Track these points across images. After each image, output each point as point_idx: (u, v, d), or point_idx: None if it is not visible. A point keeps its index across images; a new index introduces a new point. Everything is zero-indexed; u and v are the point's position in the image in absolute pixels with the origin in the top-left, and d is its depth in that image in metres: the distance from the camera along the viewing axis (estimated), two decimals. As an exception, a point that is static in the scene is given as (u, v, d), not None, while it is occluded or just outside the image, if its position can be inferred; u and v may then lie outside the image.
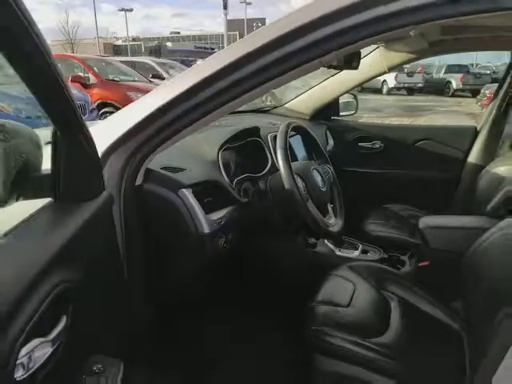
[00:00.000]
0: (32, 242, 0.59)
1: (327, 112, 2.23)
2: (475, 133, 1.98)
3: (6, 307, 0.46)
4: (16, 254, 0.55)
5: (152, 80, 8.81)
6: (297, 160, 1.56)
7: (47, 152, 0.71)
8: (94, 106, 6.17)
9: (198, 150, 1.19)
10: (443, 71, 16.82)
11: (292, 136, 1.60)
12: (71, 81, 6.65)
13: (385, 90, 17.07)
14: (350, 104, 2.39)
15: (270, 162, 1.43)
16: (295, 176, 1.21)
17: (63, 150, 0.67)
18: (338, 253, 1.57)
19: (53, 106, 0.60)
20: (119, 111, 0.93)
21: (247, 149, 1.40)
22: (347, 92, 2.21)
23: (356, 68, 1.11)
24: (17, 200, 0.67)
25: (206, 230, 1.04)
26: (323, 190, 1.33)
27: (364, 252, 1.62)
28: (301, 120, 2.16)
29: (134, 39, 57.11)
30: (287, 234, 1.45)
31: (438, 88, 17.20)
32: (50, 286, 0.54)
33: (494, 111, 1.89)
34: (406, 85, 17.67)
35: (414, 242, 1.57)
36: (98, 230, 0.74)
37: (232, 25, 37.72)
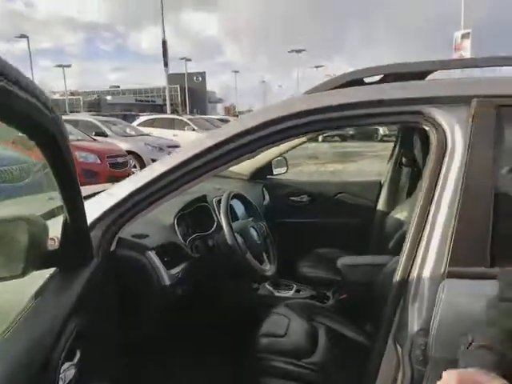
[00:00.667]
0: (54, 301, 0.85)
1: (262, 172, 2.63)
2: (380, 186, 2.46)
3: (49, 343, 0.73)
4: (47, 310, 0.81)
5: (95, 138, 8.92)
6: (237, 219, 1.89)
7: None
8: (40, 166, 6.15)
9: (159, 219, 1.49)
10: None
11: (233, 199, 1.94)
12: (13, 142, 6.61)
13: (320, 137, 18.35)
14: (281, 162, 2.81)
15: (215, 222, 1.75)
16: (236, 234, 1.55)
17: (69, 230, 0.95)
18: (276, 294, 1.89)
19: (69, 198, 0.87)
20: (102, 193, 1.22)
21: (197, 212, 1.72)
22: (280, 155, 2.64)
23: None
24: (31, 272, 0.93)
25: (167, 282, 1.32)
26: (259, 243, 1.67)
27: (297, 291, 1.95)
28: (241, 180, 2.53)
29: (72, 93, 56.45)
30: (234, 281, 1.76)
31: (368, 134, 18.78)
32: (71, 328, 0.81)
33: (391, 169, 2.38)
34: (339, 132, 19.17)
35: (336, 279, 1.93)
36: (93, 289, 1.01)
37: (173, 78, 38.73)
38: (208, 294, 1.66)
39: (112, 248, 1.23)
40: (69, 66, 43.49)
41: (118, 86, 72.64)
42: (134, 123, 13.76)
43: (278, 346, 1.38)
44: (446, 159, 1.02)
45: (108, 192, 1.21)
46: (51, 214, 1.27)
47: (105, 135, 9.99)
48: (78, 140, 7.95)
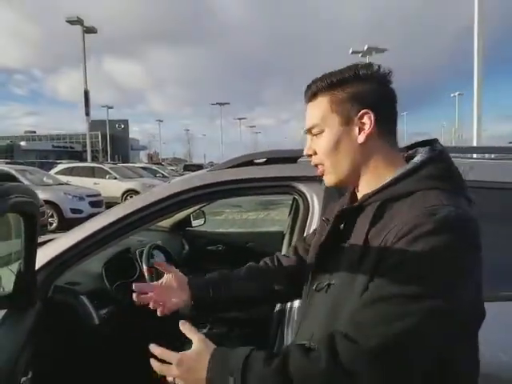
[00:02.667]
0: (11, 334, 1.11)
1: (181, 224, 2.97)
2: (283, 235, 2.93)
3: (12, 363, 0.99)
4: (7, 340, 1.07)
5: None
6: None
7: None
8: None
9: (89, 268, 1.76)
10: None
11: (154, 249, 2.25)
12: None
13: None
14: (199, 215, 3.17)
15: (138, 270, 2.04)
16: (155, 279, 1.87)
17: (22, 278, 1.20)
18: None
19: (28, 253, 1.15)
20: (49, 243, 1.48)
21: (122, 262, 2.00)
22: (198, 209, 3.01)
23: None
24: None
25: (96, 321, 1.58)
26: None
27: (211, 329, 2.27)
28: (162, 232, 2.83)
29: (-21, 138, 52.33)
30: (155, 320, 2.03)
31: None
32: (27, 353, 1.07)
33: (290, 221, 2.87)
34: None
35: (243, 316, 2.28)
36: (38, 327, 1.26)
37: (94, 125, 37.85)
38: (131, 333, 1.91)
39: (49, 294, 1.48)
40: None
41: (34, 132, 68.91)
42: (52, 171, 13.32)
43: None
44: (308, 220, 1.47)
45: (44, 247, 1.48)
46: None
47: (19, 184, 9.54)
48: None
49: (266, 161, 1.67)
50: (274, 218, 10.54)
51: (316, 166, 0.88)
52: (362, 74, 0.79)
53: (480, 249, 0.71)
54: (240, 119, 64.62)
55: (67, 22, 18.59)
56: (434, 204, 0.70)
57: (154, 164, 28.89)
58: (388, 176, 0.79)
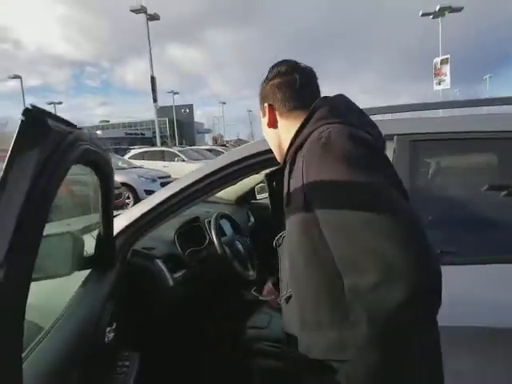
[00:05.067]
0: (96, 289, 1.22)
1: (247, 197, 3.01)
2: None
3: (97, 315, 1.08)
4: (93, 294, 1.17)
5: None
6: (225, 235, 2.27)
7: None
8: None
9: (163, 234, 1.86)
10: None
11: (221, 219, 2.32)
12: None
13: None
14: (264, 189, 3.20)
15: (207, 239, 2.12)
16: (224, 246, 1.93)
17: (102, 241, 1.31)
18: (260, 297, 2.23)
19: (106, 217, 1.25)
20: (118, 216, 1.59)
21: (191, 231, 2.09)
22: (262, 181, 3.03)
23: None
24: (74, 271, 1.29)
25: (171, 283, 1.67)
26: (243, 253, 2.04)
27: (279, 295, 2.29)
28: (228, 205, 2.90)
29: (62, 129, 56.66)
30: (225, 285, 2.11)
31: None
32: (110, 307, 1.16)
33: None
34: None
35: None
36: (118, 285, 1.37)
37: (161, 111, 39.50)
38: (204, 296, 2.01)
39: (128, 257, 1.60)
40: (60, 103, 43.82)
41: (108, 121, 73.32)
42: (126, 156, 14.19)
43: (261, 335, 1.72)
44: None
45: (122, 215, 1.59)
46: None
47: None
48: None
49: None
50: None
51: None
52: (268, 75, 1.04)
53: (376, 154, 0.81)
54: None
55: (131, 11, 19.39)
56: (321, 132, 0.83)
57: (219, 146, 29.53)
58: None
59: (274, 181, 1.06)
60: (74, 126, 0.75)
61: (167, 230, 1.89)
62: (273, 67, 1.04)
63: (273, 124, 1.04)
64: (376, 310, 0.71)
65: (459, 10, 21.66)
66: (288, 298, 0.96)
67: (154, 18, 19.97)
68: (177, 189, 1.55)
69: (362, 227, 0.71)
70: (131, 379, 1.10)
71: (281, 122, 1.03)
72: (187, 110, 65.69)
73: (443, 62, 20.76)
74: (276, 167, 1.06)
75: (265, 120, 1.05)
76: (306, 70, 1.03)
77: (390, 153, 1.39)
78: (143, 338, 1.59)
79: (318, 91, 1.03)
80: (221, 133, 71.12)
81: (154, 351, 1.58)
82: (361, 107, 1.00)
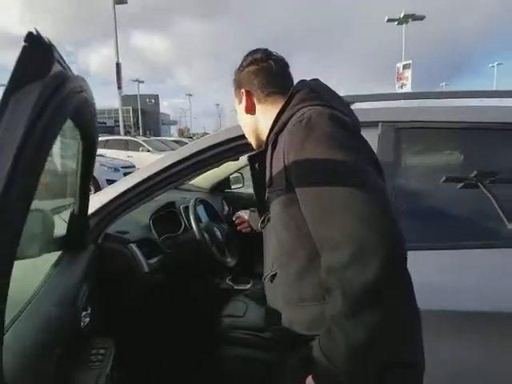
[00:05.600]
0: (70, 271, 1.11)
1: (221, 186, 2.95)
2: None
3: (73, 296, 0.99)
4: (67, 275, 1.07)
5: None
6: (201, 222, 2.19)
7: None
8: None
9: (137, 219, 1.76)
10: None
11: (198, 205, 2.24)
12: None
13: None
14: (238, 179, 3.15)
15: (183, 225, 2.04)
16: (203, 231, 1.85)
17: (75, 221, 1.21)
18: (235, 287, 2.18)
19: (82, 196, 1.15)
20: (100, 191, 1.48)
21: (167, 216, 2.00)
22: (236, 171, 2.97)
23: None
24: (44, 253, 1.18)
25: (146, 269, 1.58)
26: (221, 239, 1.97)
27: (253, 285, 2.25)
28: (202, 193, 2.82)
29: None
30: (200, 274, 2.04)
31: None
32: (84, 291, 1.07)
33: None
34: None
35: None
36: (91, 267, 1.27)
37: (125, 100, 38.37)
38: (180, 282, 1.93)
39: (99, 241, 1.49)
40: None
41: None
42: (87, 144, 13.64)
43: (238, 323, 1.67)
44: None
45: (94, 195, 1.48)
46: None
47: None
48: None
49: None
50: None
51: None
52: (243, 63, 1.05)
53: (353, 136, 0.83)
54: (269, 92, 63.62)
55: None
56: (302, 114, 0.84)
57: (185, 138, 29.11)
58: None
59: (257, 163, 1.08)
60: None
61: (142, 214, 1.80)
62: (247, 55, 1.06)
63: (250, 109, 1.05)
64: (351, 284, 0.72)
65: (422, 18, 22.48)
66: (273, 277, 1.00)
67: (121, 1, 19.24)
68: (153, 171, 1.47)
69: (339, 207, 0.74)
70: (108, 367, 1.02)
71: (258, 107, 1.04)
72: (152, 101, 64.21)
73: (405, 67, 21.63)
74: (258, 150, 1.07)
75: (241, 106, 1.07)
76: (279, 57, 1.06)
77: (375, 139, 1.39)
78: (117, 324, 1.50)
79: (291, 78, 1.06)
80: (187, 125, 70.26)
81: (129, 339, 1.50)
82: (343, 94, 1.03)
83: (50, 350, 0.82)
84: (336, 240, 0.73)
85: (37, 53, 0.49)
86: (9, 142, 0.47)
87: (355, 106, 1.60)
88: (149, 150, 14.04)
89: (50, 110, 0.51)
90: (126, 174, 10.17)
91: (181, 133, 61.97)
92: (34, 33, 0.48)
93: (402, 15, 21.97)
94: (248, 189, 3.39)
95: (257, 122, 1.06)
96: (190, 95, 65.64)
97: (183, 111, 75.07)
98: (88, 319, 1.05)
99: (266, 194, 0.97)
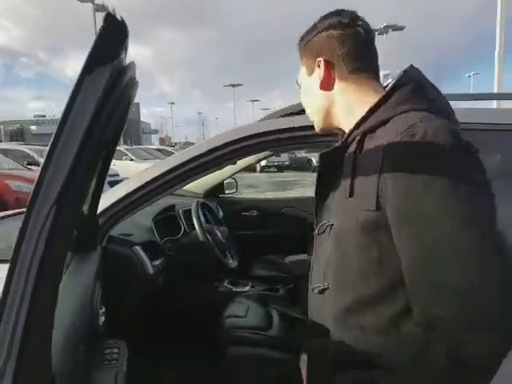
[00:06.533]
0: (83, 271, 1.11)
1: (214, 191, 2.97)
2: (317, 200, 2.90)
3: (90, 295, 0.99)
4: (82, 274, 1.07)
5: (29, 167, 8.64)
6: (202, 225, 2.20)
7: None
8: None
9: (140, 222, 1.76)
10: (304, 151, 19.10)
11: (201, 206, 2.26)
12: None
13: (258, 168, 19.09)
14: (232, 184, 3.18)
15: (182, 228, 2.05)
16: (206, 234, 1.87)
17: (86, 223, 1.21)
18: (234, 289, 2.19)
19: (94, 199, 1.15)
20: (103, 193, 1.48)
21: (167, 219, 2.00)
22: (230, 176, 3.00)
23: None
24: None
25: (151, 271, 1.59)
26: (223, 242, 1.99)
27: (252, 287, 2.27)
28: (196, 198, 2.83)
29: (-11, 122, 52.78)
30: (201, 277, 2.04)
31: (302, 165, 19.89)
32: (98, 287, 1.07)
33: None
34: (275, 163, 20.16)
35: (284, 275, 2.29)
36: (101, 268, 1.27)
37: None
38: (184, 284, 1.93)
39: (103, 244, 1.49)
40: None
41: (44, 116, 69.08)
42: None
43: (240, 323, 1.69)
44: None
45: (107, 193, 1.47)
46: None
47: (38, 164, 9.74)
48: (11, 169, 7.72)
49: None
50: (289, 197, 10.50)
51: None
52: (319, 25, 0.85)
53: (471, 155, 0.67)
54: (253, 101, 64.14)
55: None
56: (410, 124, 0.68)
57: (167, 147, 28.94)
58: (362, 112, 0.80)
59: (329, 161, 0.87)
60: None
61: (144, 217, 1.80)
62: (327, 16, 0.85)
63: (327, 85, 0.84)
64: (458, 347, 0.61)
65: (401, 28, 23.12)
66: (323, 290, 0.86)
67: (101, 8, 19.09)
68: (160, 172, 1.47)
69: (460, 258, 0.61)
70: (124, 366, 1.02)
71: (339, 84, 0.84)
72: (133, 109, 63.50)
73: (385, 76, 22.05)
74: (332, 147, 0.86)
75: (313, 79, 0.87)
76: (367, 24, 0.85)
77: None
78: (126, 325, 1.49)
79: (377, 54, 0.87)
80: (169, 134, 69.83)
81: (138, 339, 1.49)
82: None
83: (76, 348, 0.82)
84: (454, 288, 0.61)
85: (114, 35, 0.50)
86: (79, 123, 0.48)
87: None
88: (132, 159, 13.92)
89: (117, 95, 0.52)
90: (110, 183, 10.04)
91: (162, 142, 61.53)
92: (112, 13, 0.49)
93: (383, 25, 22.54)
94: (241, 194, 3.42)
95: (331, 102, 0.86)
96: (172, 103, 65.41)
97: (164, 119, 74.71)
98: (103, 318, 1.05)
99: (337, 203, 0.82)
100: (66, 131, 0.49)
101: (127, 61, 0.54)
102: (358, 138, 0.78)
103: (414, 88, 0.77)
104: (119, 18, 0.49)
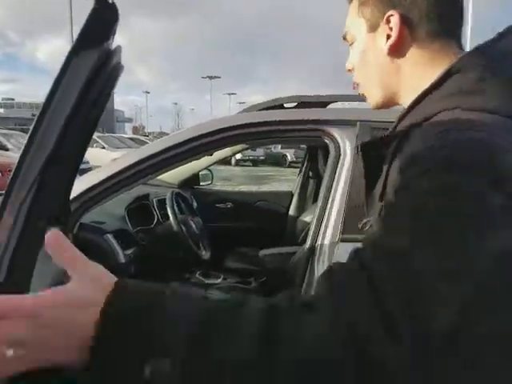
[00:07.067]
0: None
1: (189, 182, 2.94)
2: (291, 195, 2.93)
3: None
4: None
5: (-5, 151, 8.35)
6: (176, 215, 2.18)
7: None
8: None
9: (112, 210, 1.72)
10: (280, 146, 18.85)
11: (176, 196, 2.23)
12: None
13: (233, 161, 19.02)
14: (207, 176, 3.16)
15: (156, 217, 2.02)
16: (180, 224, 1.85)
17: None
18: (206, 281, 2.19)
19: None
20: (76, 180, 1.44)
21: (140, 208, 1.97)
22: (205, 168, 2.98)
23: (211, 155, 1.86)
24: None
25: (122, 260, 1.56)
26: (197, 232, 1.98)
27: (224, 279, 2.27)
28: (171, 188, 2.80)
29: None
30: (173, 267, 2.03)
31: (277, 160, 19.99)
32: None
33: (300, 181, 2.88)
34: (250, 157, 20.17)
35: (256, 269, 2.30)
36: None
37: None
38: (156, 274, 1.91)
39: (74, 231, 1.45)
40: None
41: (13, 99, 66.66)
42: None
43: None
44: (339, 164, 1.45)
45: (80, 179, 1.44)
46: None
47: (5, 149, 9.40)
48: (-24, 154, 7.44)
49: (296, 105, 1.64)
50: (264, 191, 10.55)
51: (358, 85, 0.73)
52: None
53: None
54: (230, 94, 63.84)
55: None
56: (441, 131, 0.47)
57: (141, 136, 28.40)
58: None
59: (373, 152, 0.66)
60: None
61: (116, 206, 1.77)
62: None
63: (397, 48, 0.61)
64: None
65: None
66: None
67: (78, -8, 18.45)
68: (133, 160, 1.45)
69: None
70: None
71: (415, 49, 0.61)
72: (107, 96, 61.87)
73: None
74: (374, 139, 0.68)
75: (376, 39, 0.63)
76: None
77: (353, 138, 1.46)
78: None
79: (463, 15, 0.64)
80: (143, 123, 68.58)
81: None
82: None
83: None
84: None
85: (105, 16, 0.48)
86: (65, 101, 0.47)
87: (336, 105, 1.67)
88: (104, 147, 13.59)
89: (103, 79, 0.51)
90: (80, 171, 9.72)
91: (136, 131, 60.39)
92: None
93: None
94: (216, 186, 3.40)
95: (398, 71, 0.63)
96: (147, 92, 64.19)
97: (139, 108, 73.28)
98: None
99: (374, 202, 0.64)
100: (49, 114, 0.48)
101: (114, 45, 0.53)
102: (405, 131, 0.57)
103: (476, 79, 0.52)
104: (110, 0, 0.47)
